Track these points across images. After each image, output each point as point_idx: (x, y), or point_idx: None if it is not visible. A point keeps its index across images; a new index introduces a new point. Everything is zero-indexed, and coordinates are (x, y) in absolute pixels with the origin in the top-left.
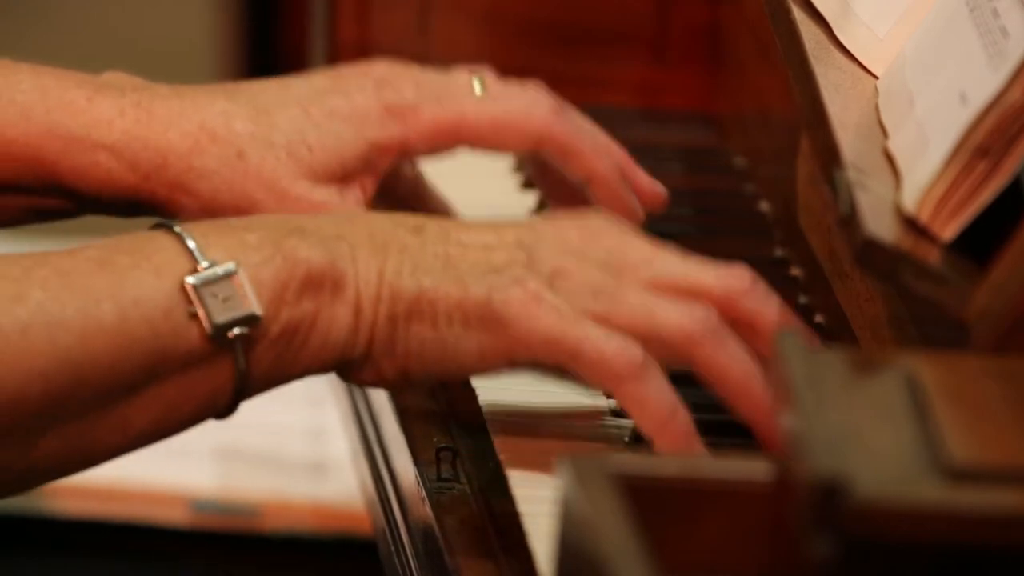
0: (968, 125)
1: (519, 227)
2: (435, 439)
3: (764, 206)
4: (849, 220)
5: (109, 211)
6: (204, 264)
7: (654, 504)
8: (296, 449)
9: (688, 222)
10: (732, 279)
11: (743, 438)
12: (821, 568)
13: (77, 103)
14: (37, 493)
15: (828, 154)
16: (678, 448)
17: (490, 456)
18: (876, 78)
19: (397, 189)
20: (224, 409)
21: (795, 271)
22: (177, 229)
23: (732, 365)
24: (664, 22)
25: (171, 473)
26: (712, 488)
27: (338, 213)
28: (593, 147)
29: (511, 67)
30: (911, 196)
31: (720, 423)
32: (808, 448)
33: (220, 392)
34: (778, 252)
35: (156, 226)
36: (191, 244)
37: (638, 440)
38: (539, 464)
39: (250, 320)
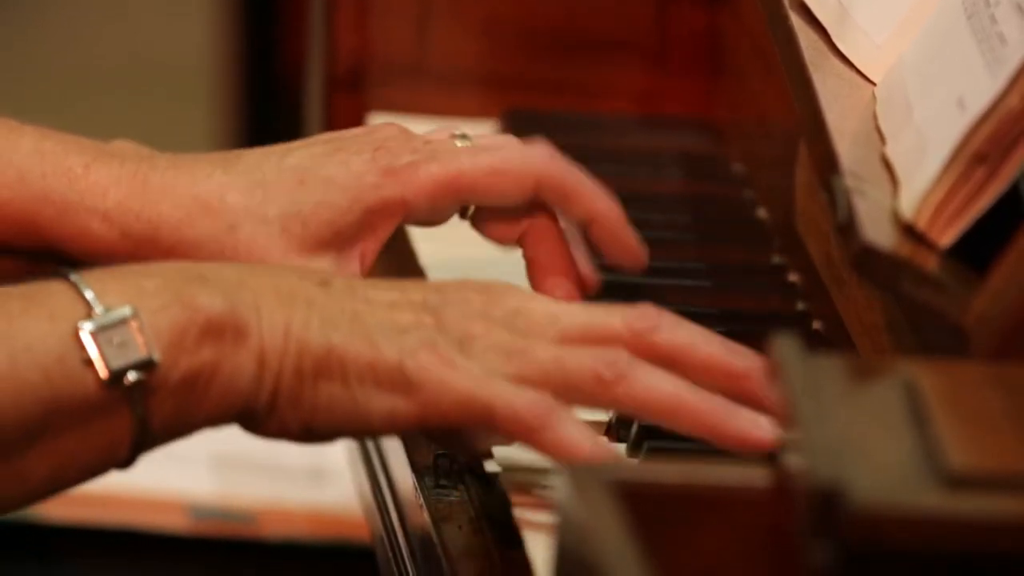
0: (966, 131)
1: (424, 288)
2: (433, 446)
3: (762, 213)
4: (847, 227)
5: None
6: (99, 309)
7: (652, 511)
8: (294, 456)
9: (686, 229)
10: (638, 319)
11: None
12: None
13: (74, 170)
14: None
15: (826, 161)
16: None
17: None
18: (874, 85)
19: None
20: (124, 460)
21: (793, 278)
22: (72, 277)
23: (651, 391)
24: (663, 29)
25: (170, 479)
26: (711, 495)
27: (241, 264)
28: (592, 187)
29: (510, 75)
30: (909, 203)
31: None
32: (807, 455)
33: (119, 442)
34: (776, 259)
35: (51, 275)
36: (86, 290)
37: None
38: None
39: (147, 365)
